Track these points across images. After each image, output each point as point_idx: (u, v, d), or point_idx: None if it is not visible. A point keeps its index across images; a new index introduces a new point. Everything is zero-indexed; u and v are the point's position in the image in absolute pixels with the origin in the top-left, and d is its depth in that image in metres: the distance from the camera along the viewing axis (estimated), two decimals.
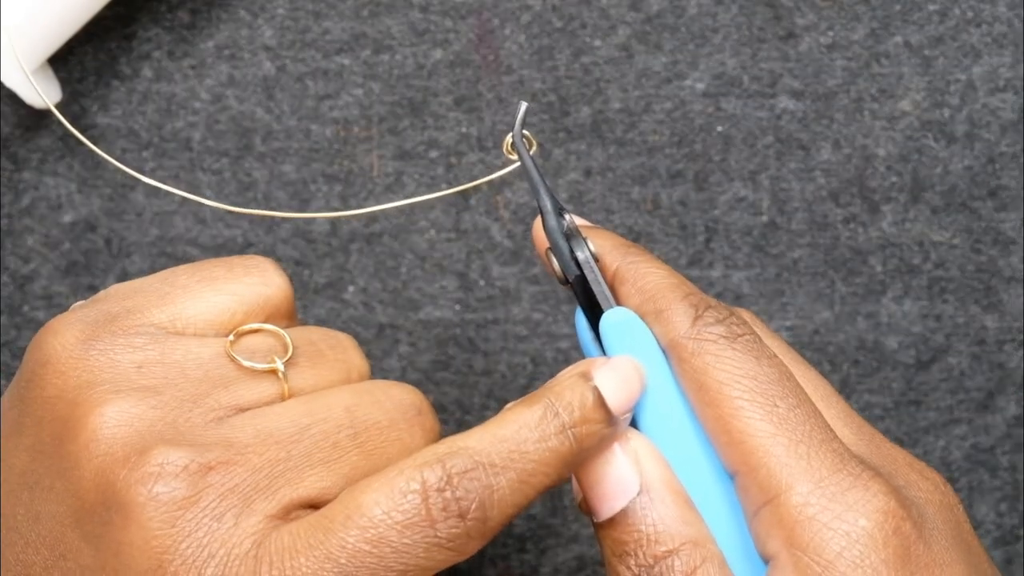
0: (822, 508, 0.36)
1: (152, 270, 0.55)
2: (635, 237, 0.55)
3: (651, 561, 0.38)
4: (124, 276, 0.55)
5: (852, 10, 0.54)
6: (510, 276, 0.55)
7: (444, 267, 0.55)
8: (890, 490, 0.37)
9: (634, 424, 0.40)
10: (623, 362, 0.39)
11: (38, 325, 0.55)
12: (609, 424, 0.38)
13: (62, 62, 0.54)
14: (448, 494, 0.35)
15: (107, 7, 0.54)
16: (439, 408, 0.55)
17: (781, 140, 0.55)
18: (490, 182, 0.55)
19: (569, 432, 0.37)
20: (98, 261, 0.55)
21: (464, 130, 0.55)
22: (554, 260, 0.41)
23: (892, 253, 0.55)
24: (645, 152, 0.55)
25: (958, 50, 0.54)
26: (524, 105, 0.41)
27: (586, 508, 0.39)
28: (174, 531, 0.35)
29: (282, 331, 0.40)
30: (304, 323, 0.55)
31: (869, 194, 0.55)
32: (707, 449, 0.39)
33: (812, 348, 0.55)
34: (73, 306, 0.40)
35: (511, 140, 0.42)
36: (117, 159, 0.55)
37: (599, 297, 0.40)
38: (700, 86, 0.55)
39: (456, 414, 0.55)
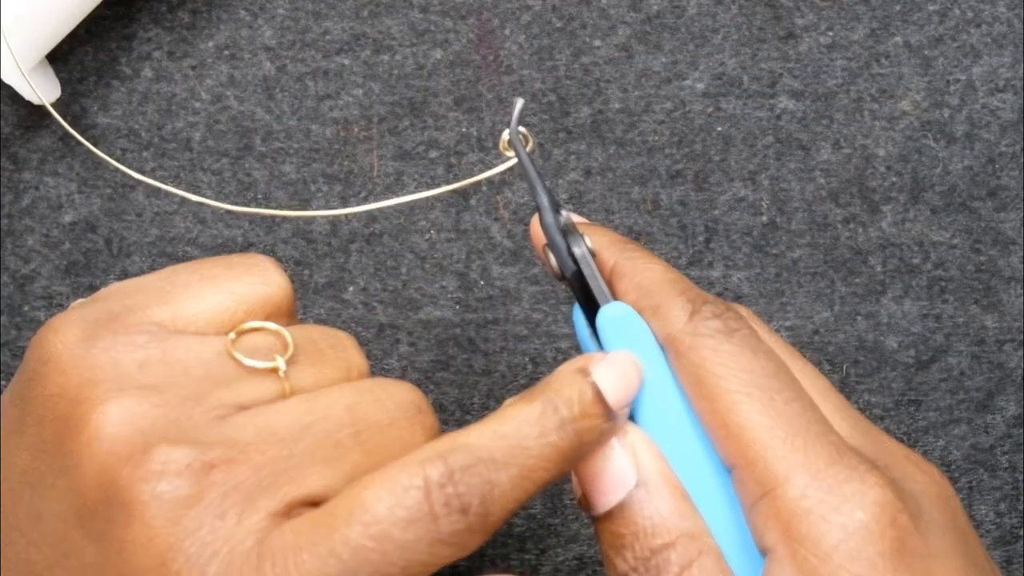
0: (819, 500, 0.36)
1: (152, 270, 0.55)
2: (635, 237, 0.55)
3: (647, 554, 0.38)
4: (124, 276, 0.55)
5: (852, 10, 0.54)
6: (510, 276, 0.55)
7: (444, 267, 0.55)
8: (887, 482, 0.37)
9: (632, 419, 0.40)
10: (621, 357, 0.39)
11: (38, 325, 0.55)
12: (608, 419, 0.38)
13: (62, 61, 0.55)
14: (450, 490, 0.35)
15: (107, 7, 0.54)
16: (439, 408, 0.55)
17: (781, 140, 0.55)
18: (490, 182, 0.55)
19: (568, 427, 0.37)
20: (98, 261, 0.55)
21: (464, 130, 0.55)
22: (551, 256, 0.41)
23: (892, 253, 0.55)
24: (645, 152, 0.55)
25: (958, 50, 0.54)
26: (520, 101, 0.41)
27: (585, 504, 0.39)
28: (177, 529, 0.35)
29: (283, 329, 0.40)
30: (304, 323, 0.55)
31: (869, 194, 0.55)
32: (704, 443, 0.39)
33: (812, 348, 0.55)
34: (73, 304, 0.40)
35: (507, 137, 0.42)
36: (117, 159, 0.55)
37: (596, 292, 0.40)
38: (700, 86, 0.55)
39: (456, 414, 0.55)
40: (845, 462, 0.37)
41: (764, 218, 0.55)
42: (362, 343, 0.55)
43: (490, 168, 0.55)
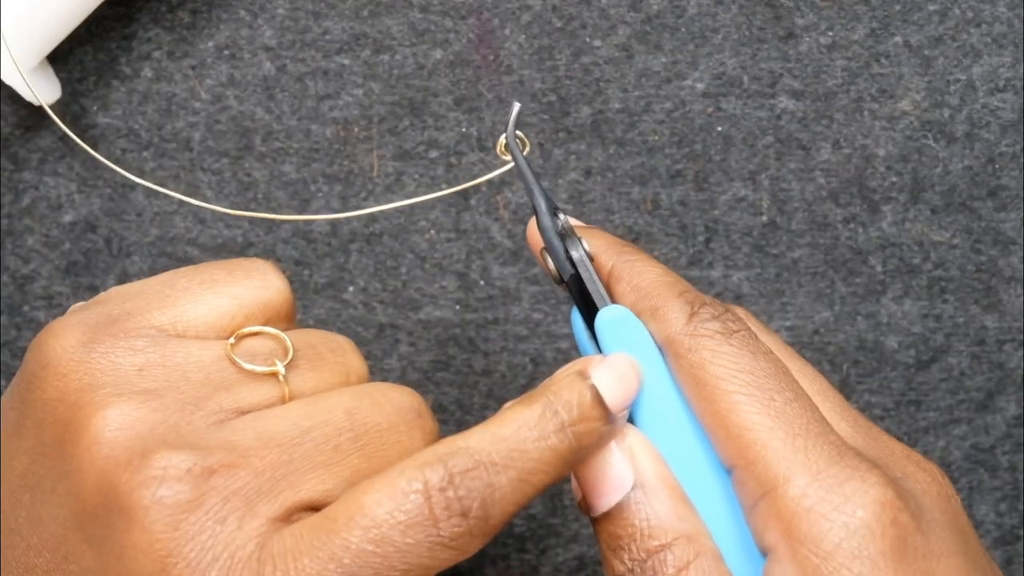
0: (820, 499, 0.36)
1: (152, 270, 0.55)
2: (635, 237, 0.55)
3: (644, 555, 0.38)
4: (124, 276, 0.55)
5: (852, 10, 0.54)
6: (510, 276, 0.55)
7: (444, 267, 0.55)
8: (887, 481, 0.37)
9: (631, 421, 0.40)
10: (620, 360, 0.39)
11: (38, 325, 0.55)
12: (607, 422, 0.38)
13: (62, 61, 0.54)
14: (450, 493, 0.36)
15: (107, 7, 0.54)
16: (439, 408, 0.55)
17: (781, 140, 0.55)
18: (490, 182, 0.55)
19: (568, 430, 0.37)
20: (98, 261, 0.55)
21: (464, 130, 0.55)
22: (549, 260, 0.41)
23: (892, 253, 0.55)
24: (645, 152, 0.55)
25: (958, 50, 0.54)
26: (517, 106, 0.42)
27: (584, 505, 0.40)
28: (177, 534, 0.35)
29: (282, 334, 0.40)
30: (304, 323, 0.55)
31: (869, 194, 0.55)
32: (704, 444, 0.39)
33: (812, 348, 0.55)
34: (72, 308, 0.40)
35: (504, 141, 0.42)
36: (117, 159, 0.55)
37: (594, 295, 0.40)
38: (700, 86, 0.55)
39: (456, 414, 0.55)
40: (846, 462, 0.37)
41: (764, 218, 0.55)
42: (362, 343, 0.55)
43: (490, 168, 0.55)
